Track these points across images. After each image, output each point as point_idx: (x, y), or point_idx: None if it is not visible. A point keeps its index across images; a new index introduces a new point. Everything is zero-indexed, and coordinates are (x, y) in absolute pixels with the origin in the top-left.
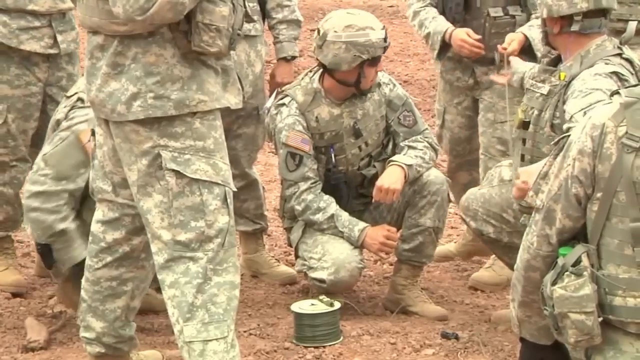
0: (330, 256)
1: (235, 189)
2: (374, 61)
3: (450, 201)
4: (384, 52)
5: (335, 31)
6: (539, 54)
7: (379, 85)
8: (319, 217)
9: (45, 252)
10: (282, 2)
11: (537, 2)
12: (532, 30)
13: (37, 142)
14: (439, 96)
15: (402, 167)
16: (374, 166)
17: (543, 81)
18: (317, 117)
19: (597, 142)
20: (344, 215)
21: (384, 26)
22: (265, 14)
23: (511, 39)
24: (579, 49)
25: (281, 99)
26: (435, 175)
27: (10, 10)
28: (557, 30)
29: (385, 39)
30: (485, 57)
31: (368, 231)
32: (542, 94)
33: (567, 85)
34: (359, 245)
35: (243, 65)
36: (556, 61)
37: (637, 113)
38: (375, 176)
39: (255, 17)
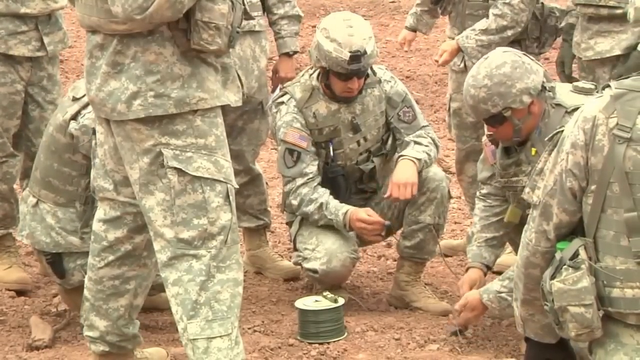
0: (323, 246)
1: (237, 186)
2: (339, 75)
3: (451, 197)
4: (356, 75)
5: (319, 27)
6: (473, 62)
7: (380, 81)
8: (311, 207)
9: (57, 261)
10: None
11: (496, 101)
12: (468, 40)
13: (17, 142)
14: (449, 84)
15: (414, 161)
16: (372, 161)
17: (515, 174)
18: (314, 113)
19: (589, 134)
20: (332, 203)
21: (363, 51)
22: (265, 10)
23: (443, 50)
24: (542, 112)
25: (281, 96)
26: (435, 172)
27: None
28: (536, 106)
29: (349, 62)
30: None
31: (350, 214)
32: (522, 187)
33: None
34: (347, 229)
35: (249, 60)
36: (507, 150)
37: (628, 104)
38: (373, 171)
39: (259, 13)
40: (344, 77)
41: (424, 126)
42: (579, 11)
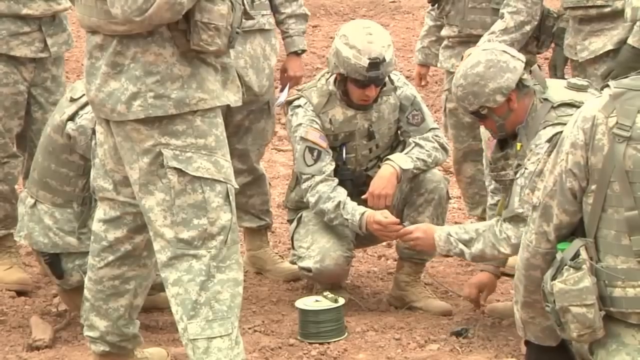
0: (317, 245)
1: (237, 186)
2: (357, 83)
3: (449, 198)
4: (374, 83)
5: (338, 33)
6: None
7: (395, 89)
8: (328, 205)
9: (55, 261)
10: None
11: (472, 100)
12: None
13: (20, 142)
14: (445, 85)
15: (395, 169)
16: (379, 166)
17: (503, 168)
18: (331, 119)
19: (589, 134)
20: (350, 203)
21: (382, 59)
22: (272, 9)
23: (468, 55)
24: (528, 107)
25: (297, 99)
26: (433, 173)
27: (1, 16)
28: (515, 103)
29: (368, 69)
30: (470, 40)
31: (368, 216)
32: (510, 179)
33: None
34: (363, 230)
35: (259, 59)
36: (502, 144)
37: (627, 103)
38: None
39: (267, 11)
40: (362, 84)
41: (432, 128)
42: (569, 14)
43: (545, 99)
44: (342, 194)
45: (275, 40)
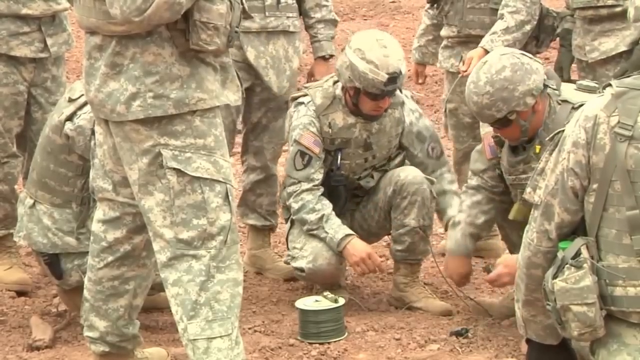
0: (310, 245)
1: (236, 186)
2: (372, 95)
3: (434, 198)
4: (388, 95)
5: (350, 46)
6: None
7: (402, 103)
8: (312, 216)
9: (54, 261)
10: (320, 2)
11: (501, 106)
12: (494, 44)
13: (20, 142)
14: (445, 85)
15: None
16: (372, 177)
17: (524, 172)
18: (330, 123)
19: (591, 133)
20: (336, 220)
21: (399, 72)
22: (301, 14)
23: (471, 57)
24: (545, 109)
25: (302, 95)
26: (414, 176)
27: (1, 16)
28: (540, 105)
29: (386, 84)
30: (469, 40)
31: (352, 240)
32: None
33: None
34: (339, 250)
35: (281, 60)
36: (514, 147)
37: (629, 102)
38: (373, 188)
39: (294, 14)
40: (375, 96)
41: (447, 162)
42: (578, 15)
43: (564, 101)
44: (327, 207)
45: (299, 43)
